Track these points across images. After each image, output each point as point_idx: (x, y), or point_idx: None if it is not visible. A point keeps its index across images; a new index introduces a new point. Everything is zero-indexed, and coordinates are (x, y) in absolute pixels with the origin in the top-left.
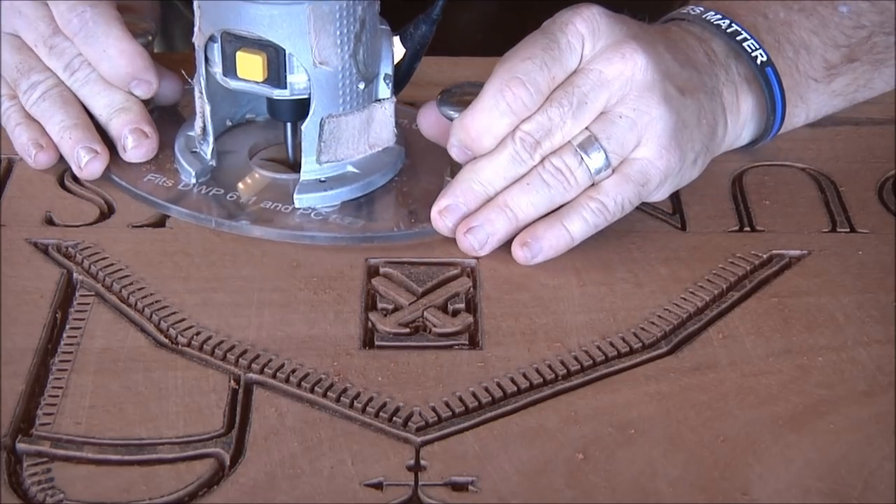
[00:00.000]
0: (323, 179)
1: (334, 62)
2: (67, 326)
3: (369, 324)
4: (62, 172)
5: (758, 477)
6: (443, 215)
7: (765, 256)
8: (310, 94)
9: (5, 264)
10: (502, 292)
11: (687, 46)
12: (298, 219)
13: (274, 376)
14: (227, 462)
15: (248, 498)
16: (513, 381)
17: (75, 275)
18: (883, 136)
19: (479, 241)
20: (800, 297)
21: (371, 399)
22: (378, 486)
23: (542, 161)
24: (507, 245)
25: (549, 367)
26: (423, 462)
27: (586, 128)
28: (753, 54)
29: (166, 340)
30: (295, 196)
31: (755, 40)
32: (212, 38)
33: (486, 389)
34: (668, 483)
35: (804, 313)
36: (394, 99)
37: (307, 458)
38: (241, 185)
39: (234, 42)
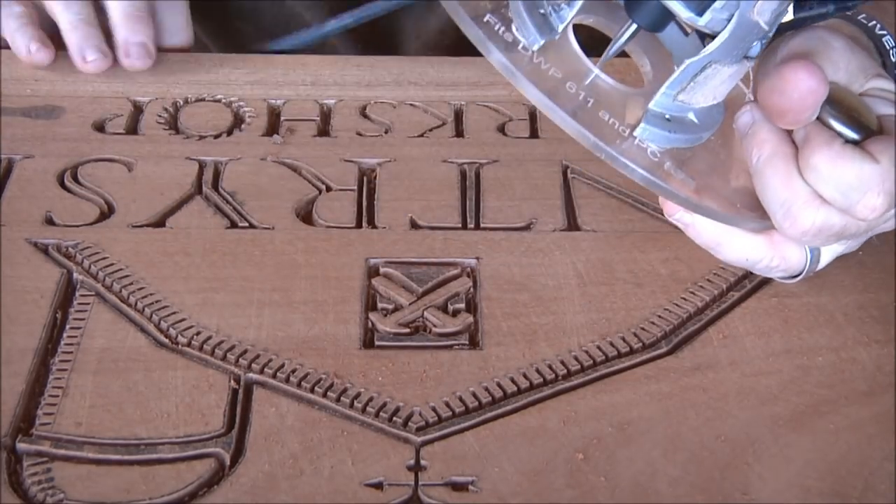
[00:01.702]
0: (668, 118)
1: (766, 16)
2: (67, 326)
3: (369, 324)
4: (62, 172)
5: (758, 477)
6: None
7: None
8: (713, 34)
9: (5, 264)
10: (502, 292)
11: None
12: (630, 147)
13: (274, 376)
14: (227, 462)
15: (248, 498)
16: (513, 381)
17: (75, 275)
18: None
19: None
20: (800, 297)
21: (371, 399)
22: (378, 486)
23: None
24: (506, 245)
25: (549, 367)
26: (423, 462)
27: None
28: None
29: (166, 340)
30: (641, 124)
31: None
32: None
33: (486, 389)
34: (668, 483)
35: (804, 313)
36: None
37: (307, 458)
38: (575, 79)
39: None
